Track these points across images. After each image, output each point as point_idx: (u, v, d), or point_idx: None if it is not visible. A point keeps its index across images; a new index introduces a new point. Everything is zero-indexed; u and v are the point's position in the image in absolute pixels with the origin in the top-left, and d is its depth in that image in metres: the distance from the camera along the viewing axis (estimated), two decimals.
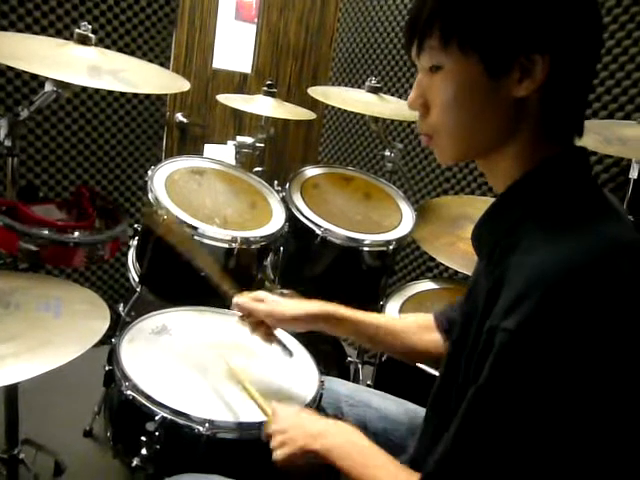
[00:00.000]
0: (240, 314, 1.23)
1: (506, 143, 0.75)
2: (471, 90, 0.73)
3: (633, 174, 1.64)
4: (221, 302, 1.47)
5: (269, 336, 1.20)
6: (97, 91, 2.18)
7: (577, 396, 0.61)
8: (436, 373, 1.42)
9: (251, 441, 1.11)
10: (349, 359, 1.94)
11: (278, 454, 0.93)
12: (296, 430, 0.93)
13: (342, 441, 0.88)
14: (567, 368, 0.61)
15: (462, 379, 0.74)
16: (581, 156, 0.76)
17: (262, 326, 1.19)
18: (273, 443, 0.95)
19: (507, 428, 0.64)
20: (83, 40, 1.34)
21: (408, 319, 1.19)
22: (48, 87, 1.27)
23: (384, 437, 1.17)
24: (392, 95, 2.38)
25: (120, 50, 2.12)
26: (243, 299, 1.20)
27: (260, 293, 1.22)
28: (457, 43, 0.71)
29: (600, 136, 1.59)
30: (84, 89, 2.14)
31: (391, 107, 1.99)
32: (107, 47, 2.03)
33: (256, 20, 2.63)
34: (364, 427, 1.19)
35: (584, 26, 0.71)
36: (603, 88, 1.87)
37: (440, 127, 0.77)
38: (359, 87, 2.18)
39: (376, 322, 1.16)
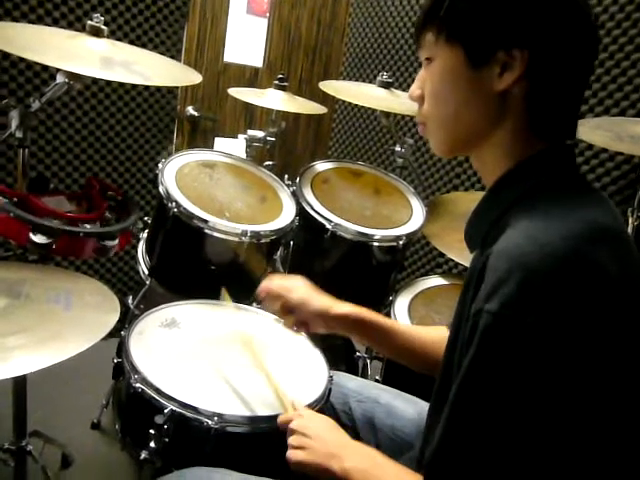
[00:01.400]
0: (267, 298, 1.18)
1: (490, 136, 0.78)
2: (455, 80, 0.78)
3: None
4: (231, 295, 1.47)
5: (297, 325, 1.17)
6: (109, 83, 2.18)
7: (558, 376, 0.63)
8: None
9: (260, 435, 1.11)
10: (358, 354, 1.93)
11: (293, 456, 0.92)
12: (319, 442, 0.91)
13: (362, 467, 0.86)
14: (548, 348, 0.62)
15: (458, 370, 0.74)
16: (568, 153, 0.79)
17: (291, 316, 1.16)
18: (291, 440, 0.94)
19: (494, 410, 0.65)
20: (95, 32, 1.34)
21: (437, 332, 1.13)
22: (60, 79, 1.27)
23: (392, 434, 1.17)
24: (403, 90, 2.37)
25: (131, 43, 2.12)
26: (274, 286, 1.17)
27: (295, 282, 1.18)
28: (445, 35, 0.77)
29: (611, 133, 1.57)
30: (95, 81, 2.14)
31: (402, 102, 1.98)
32: (118, 40, 2.03)
33: (268, 14, 2.61)
34: (371, 423, 1.19)
35: (566, 24, 0.73)
36: (615, 85, 1.85)
37: (430, 115, 0.82)
38: (370, 82, 2.16)
39: (407, 332, 1.13)
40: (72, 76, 1.24)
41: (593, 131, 1.56)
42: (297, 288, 1.16)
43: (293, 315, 1.16)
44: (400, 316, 1.65)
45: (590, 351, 0.63)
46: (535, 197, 0.74)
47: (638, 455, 0.70)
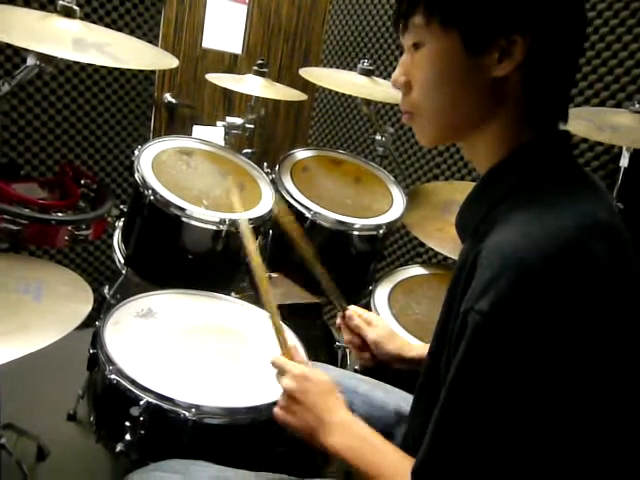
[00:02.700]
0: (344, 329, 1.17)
1: (485, 124, 0.75)
2: (451, 67, 0.73)
3: (624, 162, 1.64)
4: (209, 285, 1.45)
5: (370, 362, 1.15)
6: (83, 68, 2.12)
7: (549, 377, 0.61)
8: None
9: (239, 427, 1.10)
10: (337, 344, 1.93)
11: (281, 416, 0.89)
12: (309, 410, 0.87)
13: (349, 443, 0.84)
14: (539, 348, 0.61)
15: (446, 364, 0.73)
16: (563, 139, 0.77)
17: (366, 351, 1.14)
18: (282, 401, 0.90)
19: (485, 412, 0.63)
20: (67, 12, 1.30)
21: None
22: (30, 61, 1.23)
23: (370, 424, 1.15)
24: (384, 78, 2.35)
25: (107, 26, 2.06)
26: (357, 318, 1.15)
27: (376, 319, 1.16)
28: (439, 20, 0.72)
29: (592, 123, 1.57)
30: (69, 66, 2.09)
31: (383, 90, 1.96)
32: (93, 23, 1.97)
33: (247, 0, 2.57)
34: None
35: (565, 9, 0.71)
36: (596, 75, 1.86)
37: (420, 104, 0.78)
38: (351, 69, 2.14)
39: None
40: (43, 58, 1.21)
41: (573, 121, 1.55)
42: (376, 325, 1.15)
43: (367, 350, 1.14)
44: (380, 306, 1.65)
45: (584, 351, 0.62)
46: (529, 189, 0.71)
47: (631, 456, 0.70)
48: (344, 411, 0.89)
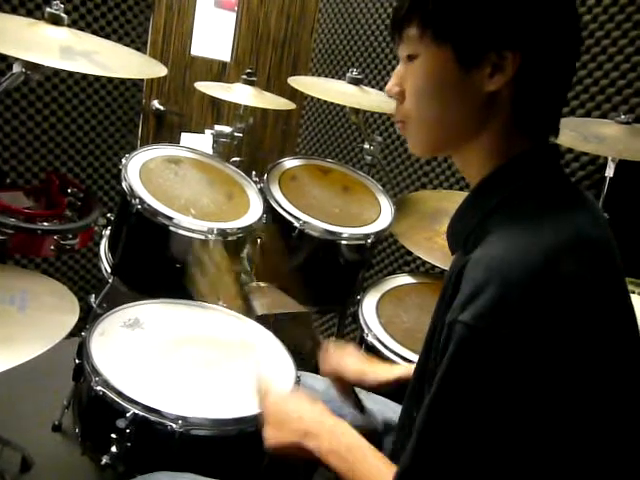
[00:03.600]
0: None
1: (476, 136, 0.76)
2: (443, 80, 0.74)
3: (609, 172, 1.65)
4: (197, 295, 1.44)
5: (346, 392, 1.15)
6: (71, 75, 2.11)
7: (532, 390, 0.62)
8: None
9: (227, 438, 1.09)
10: None
11: (269, 442, 0.89)
12: (294, 424, 0.88)
13: (337, 448, 0.83)
14: (523, 362, 0.61)
15: (431, 376, 0.73)
16: (553, 152, 0.78)
17: (342, 381, 1.14)
18: (265, 429, 0.90)
19: (466, 424, 0.64)
20: (55, 20, 1.29)
21: None
22: (16, 68, 1.22)
23: (360, 434, 1.16)
24: (373, 87, 2.36)
25: (95, 34, 2.05)
26: (334, 358, 1.16)
27: (348, 349, 1.17)
28: (432, 33, 0.73)
29: (577, 133, 1.59)
30: (57, 73, 2.08)
31: (372, 99, 1.97)
32: (81, 30, 1.96)
33: (236, 8, 2.57)
34: None
35: (558, 26, 0.72)
36: (581, 86, 1.87)
37: (412, 114, 0.79)
38: (340, 78, 2.15)
39: None
40: (30, 66, 1.20)
41: (560, 131, 1.57)
42: (348, 364, 1.14)
43: (343, 381, 1.14)
44: (368, 315, 1.64)
45: (567, 362, 0.62)
46: (518, 202, 0.72)
47: (616, 466, 0.70)
48: (332, 418, 0.88)
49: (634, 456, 0.71)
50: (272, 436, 0.89)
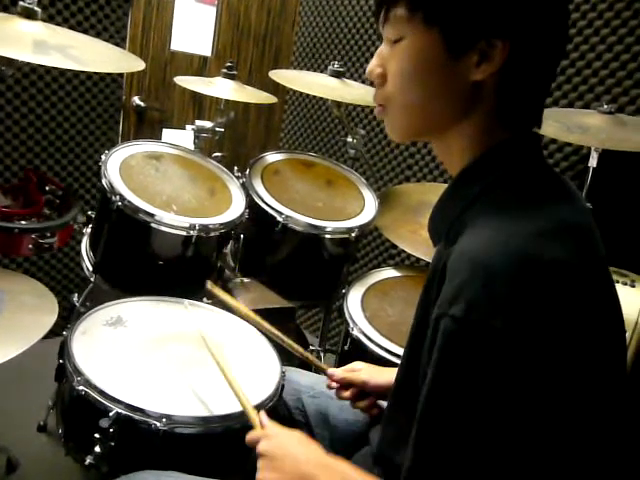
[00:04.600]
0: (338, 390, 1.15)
1: (457, 124, 0.75)
2: (428, 65, 0.72)
3: (592, 162, 1.66)
4: (179, 292, 1.42)
5: (371, 409, 1.13)
6: (48, 71, 2.08)
7: (529, 380, 0.61)
8: (398, 361, 1.43)
9: (212, 436, 1.08)
10: (311, 347, 1.92)
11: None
12: (289, 462, 0.84)
13: None
14: (517, 352, 0.60)
15: (422, 370, 0.72)
16: (534, 141, 0.77)
17: (365, 399, 1.12)
18: (259, 465, 0.86)
19: (465, 420, 0.63)
20: (28, 14, 1.26)
21: None
22: None
23: (346, 428, 1.16)
24: (355, 80, 2.35)
25: (72, 29, 2.02)
26: (338, 371, 1.14)
27: (356, 364, 1.16)
28: (422, 16, 0.71)
29: (561, 124, 1.59)
30: (34, 69, 2.04)
31: (354, 92, 1.96)
32: (58, 25, 1.93)
33: (216, 2, 2.55)
34: (325, 419, 1.18)
35: (549, 16, 0.71)
36: (564, 77, 1.88)
37: (393, 98, 0.77)
38: (322, 71, 2.14)
39: None
40: (2, 61, 1.17)
41: (543, 122, 1.57)
42: (360, 369, 1.14)
43: (367, 399, 1.12)
44: (353, 309, 1.64)
45: (558, 352, 0.62)
46: (500, 191, 0.71)
47: (612, 458, 0.70)
48: (323, 455, 0.85)
49: (620, 443, 0.71)
50: (265, 477, 0.85)
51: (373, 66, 0.78)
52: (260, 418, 0.94)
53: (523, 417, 0.62)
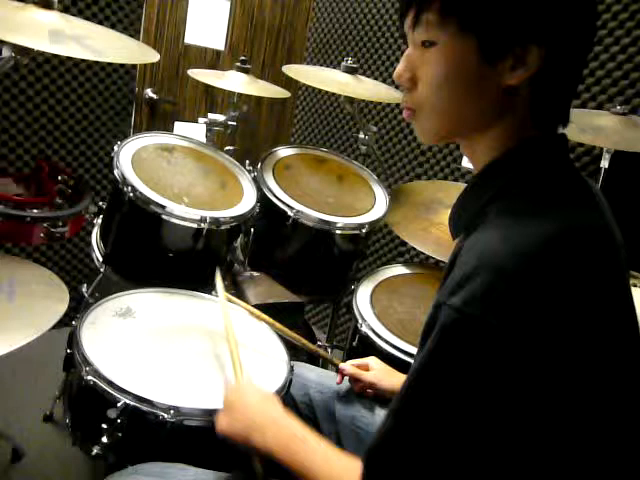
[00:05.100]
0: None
1: (489, 127, 0.74)
2: (462, 71, 0.71)
3: (604, 163, 1.65)
4: (188, 284, 1.42)
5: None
6: (62, 62, 2.08)
7: (514, 380, 0.61)
8: (406, 359, 1.43)
9: None
10: (319, 343, 1.91)
11: (217, 425, 0.93)
12: (243, 413, 0.92)
13: (284, 441, 0.84)
14: (507, 352, 0.60)
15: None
16: (559, 141, 0.76)
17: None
18: (220, 411, 0.95)
19: (444, 409, 0.63)
20: (45, 3, 1.26)
21: None
22: (5, 53, 1.20)
23: (353, 425, 1.16)
24: (368, 76, 2.34)
25: (86, 20, 2.03)
26: (349, 367, 1.21)
27: (370, 360, 1.24)
28: (456, 21, 0.70)
29: (573, 124, 1.58)
30: (48, 59, 2.05)
31: (367, 88, 1.95)
32: (72, 16, 1.94)
33: None
34: (332, 414, 1.18)
35: (582, 21, 0.71)
36: None
37: (426, 103, 0.76)
38: (335, 67, 2.13)
39: None
40: (19, 50, 1.17)
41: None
42: (372, 368, 1.22)
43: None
44: (362, 305, 1.64)
45: (554, 358, 0.62)
46: (519, 189, 0.71)
47: (599, 460, 0.68)
48: (279, 411, 0.91)
49: (623, 449, 0.70)
50: (221, 421, 0.92)
51: (401, 70, 0.77)
52: (242, 375, 1.03)
53: (508, 413, 0.62)
